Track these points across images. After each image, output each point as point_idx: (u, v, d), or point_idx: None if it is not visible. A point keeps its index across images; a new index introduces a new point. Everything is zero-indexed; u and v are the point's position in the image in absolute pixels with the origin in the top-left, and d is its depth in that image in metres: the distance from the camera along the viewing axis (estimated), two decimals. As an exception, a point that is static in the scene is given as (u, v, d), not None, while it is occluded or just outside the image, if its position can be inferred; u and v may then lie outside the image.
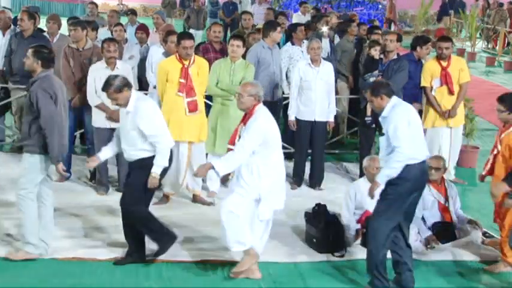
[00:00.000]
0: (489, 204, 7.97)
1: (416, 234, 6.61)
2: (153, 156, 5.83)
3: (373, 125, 8.30)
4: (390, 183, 5.51)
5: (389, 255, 5.76)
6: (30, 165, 5.86)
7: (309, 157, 8.55)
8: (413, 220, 6.62)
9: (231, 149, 5.71)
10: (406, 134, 5.42)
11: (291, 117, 8.25)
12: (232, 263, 5.94)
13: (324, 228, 6.39)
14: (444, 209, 6.76)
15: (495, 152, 5.97)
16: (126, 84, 5.83)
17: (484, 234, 6.77)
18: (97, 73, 7.56)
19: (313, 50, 8.07)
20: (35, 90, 5.76)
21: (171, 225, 6.83)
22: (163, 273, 5.87)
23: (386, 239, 5.55)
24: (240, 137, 5.68)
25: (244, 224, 5.67)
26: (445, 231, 6.62)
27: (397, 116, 5.49)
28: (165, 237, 5.93)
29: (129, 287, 5.63)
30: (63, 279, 5.67)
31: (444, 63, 8.34)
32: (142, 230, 5.93)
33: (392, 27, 22.85)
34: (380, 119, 5.70)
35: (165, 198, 7.61)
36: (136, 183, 5.87)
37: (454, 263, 6.35)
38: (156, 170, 5.84)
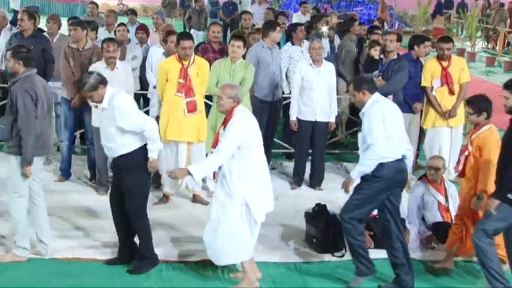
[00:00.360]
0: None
1: (416, 234, 6.62)
2: (135, 151, 5.71)
3: None
4: (365, 179, 5.58)
5: (384, 255, 5.81)
6: (15, 167, 5.85)
7: (309, 157, 8.54)
8: (413, 220, 6.66)
9: None
10: (381, 132, 5.46)
11: (293, 117, 8.24)
12: (232, 263, 5.95)
13: (324, 228, 6.38)
14: (444, 209, 6.76)
15: (466, 153, 6.01)
16: (101, 82, 5.74)
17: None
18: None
19: (315, 50, 8.06)
20: (16, 90, 5.76)
21: (171, 226, 6.85)
22: (163, 273, 5.87)
23: (359, 229, 5.69)
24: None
25: (244, 231, 5.60)
26: (445, 231, 6.61)
27: (373, 113, 5.52)
28: (151, 258, 5.89)
29: (129, 287, 5.64)
30: (63, 279, 5.67)
31: (445, 63, 8.33)
32: (141, 240, 5.86)
33: (386, 27, 22.82)
34: (360, 114, 5.73)
35: (165, 198, 7.61)
36: (133, 188, 5.76)
37: (454, 263, 6.34)
38: (153, 156, 5.78)
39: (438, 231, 6.62)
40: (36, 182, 5.99)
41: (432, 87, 8.40)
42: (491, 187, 5.65)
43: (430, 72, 8.38)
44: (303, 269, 6.08)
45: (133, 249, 5.96)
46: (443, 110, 8.39)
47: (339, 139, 10.30)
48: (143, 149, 5.76)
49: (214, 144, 5.69)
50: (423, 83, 8.45)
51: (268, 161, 8.95)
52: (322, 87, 8.12)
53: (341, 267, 6.15)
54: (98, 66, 7.61)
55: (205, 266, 5.97)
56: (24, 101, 5.70)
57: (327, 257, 6.31)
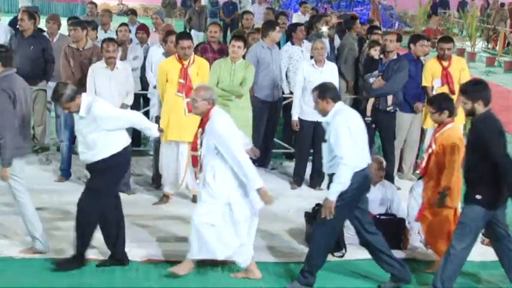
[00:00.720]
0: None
1: (416, 234, 6.61)
2: (114, 156, 5.70)
3: (373, 125, 8.31)
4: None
5: (406, 255, 5.80)
6: None
7: (310, 157, 8.54)
8: (413, 220, 6.66)
9: (195, 156, 5.66)
10: (348, 142, 5.40)
11: (295, 117, 8.22)
12: (232, 263, 5.95)
13: (324, 228, 6.37)
14: (444, 209, 6.76)
15: (429, 151, 6.08)
16: (77, 91, 5.71)
17: (484, 234, 6.76)
18: (97, 73, 7.57)
19: (317, 50, 8.06)
20: None
21: (171, 226, 6.84)
22: (163, 273, 5.86)
23: (329, 246, 5.75)
24: (201, 142, 5.59)
25: (223, 230, 5.63)
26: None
27: (337, 123, 5.46)
28: (81, 259, 5.86)
29: (129, 287, 5.64)
30: (63, 279, 5.67)
31: (445, 63, 8.34)
32: (77, 229, 5.81)
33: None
34: (323, 124, 5.72)
35: (165, 198, 7.62)
36: (97, 188, 5.74)
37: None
38: (155, 133, 6.03)
39: (438, 231, 6.62)
40: (18, 182, 5.92)
41: (432, 87, 8.40)
42: (455, 184, 5.79)
43: (431, 72, 8.37)
44: (303, 269, 6.08)
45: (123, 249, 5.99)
46: None
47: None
48: (122, 154, 5.79)
49: (194, 148, 5.67)
50: (424, 83, 8.45)
51: (268, 161, 9.03)
52: (324, 88, 8.10)
53: (341, 267, 6.14)
54: (98, 66, 7.62)
55: (205, 266, 5.97)
56: (1, 100, 5.68)
57: (327, 257, 6.29)
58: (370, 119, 8.29)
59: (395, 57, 8.41)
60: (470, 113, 5.45)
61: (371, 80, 8.33)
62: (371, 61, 8.81)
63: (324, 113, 5.62)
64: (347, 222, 6.59)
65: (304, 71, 8.12)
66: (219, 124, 5.52)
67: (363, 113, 8.39)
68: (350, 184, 5.42)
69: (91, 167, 5.89)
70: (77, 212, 5.81)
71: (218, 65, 7.90)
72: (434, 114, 5.99)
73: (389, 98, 8.20)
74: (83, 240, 5.83)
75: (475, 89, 5.42)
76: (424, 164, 6.13)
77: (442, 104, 5.98)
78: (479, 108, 5.37)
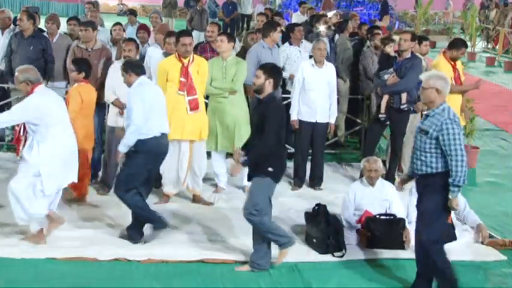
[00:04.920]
0: (490, 205, 7.99)
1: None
2: None
3: (387, 122, 8.33)
4: (128, 156, 6.31)
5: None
6: None
7: (309, 157, 8.54)
8: (413, 220, 6.66)
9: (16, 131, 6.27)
10: (139, 110, 6.21)
11: (294, 116, 8.21)
12: (232, 263, 5.96)
13: (324, 228, 6.39)
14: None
15: None
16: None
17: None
18: (115, 71, 7.56)
19: (320, 50, 8.05)
20: None
21: (171, 226, 6.83)
22: (163, 273, 5.87)
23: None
24: None
25: (27, 198, 6.06)
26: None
27: (133, 95, 6.31)
28: None
29: (129, 287, 5.64)
30: (63, 279, 5.67)
31: (452, 62, 8.41)
32: None
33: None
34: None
35: (165, 197, 7.61)
36: None
37: (454, 263, 6.34)
38: None
39: (438, 231, 6.61)
40: None
41: None
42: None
43: (445, 72, 8.37)
44: (303, 269, 6.08)
45: None
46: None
47: (339, 138, 10.25)
48: None
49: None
50: None
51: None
52: (323, 88, 8.12)
53: (341, 267, 6.15)
54: (117, 66, 7.63)
55: (205, 266, 5.97)
56: None
57: (327, 257, 6.31)
58: (384, 116, 8.28)
59: (408, 56, 8.37)
60: (257, 90, 5.89)
61: (385, 76, 8.32)
62: (386, 58, 8.72)
63: (129, 85, 6.40)
64: (346, 222, 6.66)
65: (304, 71, 8.11)
66: (33, 95, 6.07)
67: (376, 111, 8.42)
68: (141, 149, 6.26)
69: None
70: None
71: (210, 64, 7.85)
72: (73, 72, 7.29)
73: (404, 96, 8.20)
74: None
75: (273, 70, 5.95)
76: None
77: (81, 67, 7.20)
78: (268, 88, 5.84)
